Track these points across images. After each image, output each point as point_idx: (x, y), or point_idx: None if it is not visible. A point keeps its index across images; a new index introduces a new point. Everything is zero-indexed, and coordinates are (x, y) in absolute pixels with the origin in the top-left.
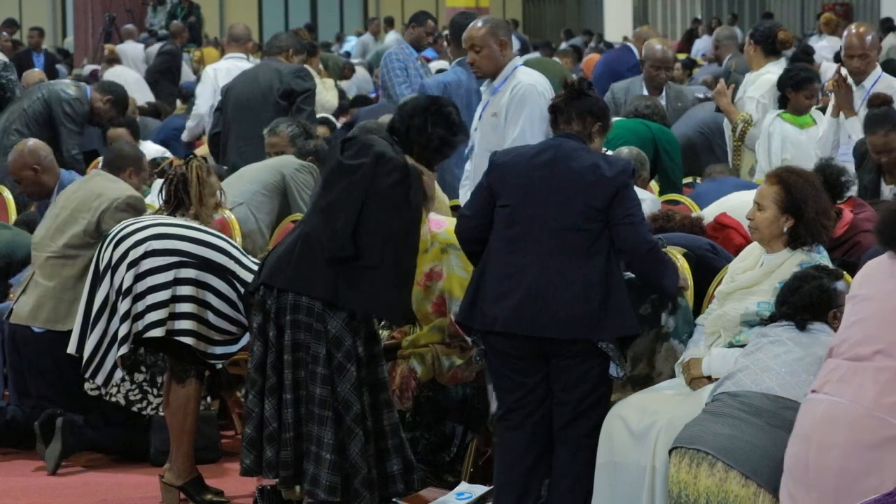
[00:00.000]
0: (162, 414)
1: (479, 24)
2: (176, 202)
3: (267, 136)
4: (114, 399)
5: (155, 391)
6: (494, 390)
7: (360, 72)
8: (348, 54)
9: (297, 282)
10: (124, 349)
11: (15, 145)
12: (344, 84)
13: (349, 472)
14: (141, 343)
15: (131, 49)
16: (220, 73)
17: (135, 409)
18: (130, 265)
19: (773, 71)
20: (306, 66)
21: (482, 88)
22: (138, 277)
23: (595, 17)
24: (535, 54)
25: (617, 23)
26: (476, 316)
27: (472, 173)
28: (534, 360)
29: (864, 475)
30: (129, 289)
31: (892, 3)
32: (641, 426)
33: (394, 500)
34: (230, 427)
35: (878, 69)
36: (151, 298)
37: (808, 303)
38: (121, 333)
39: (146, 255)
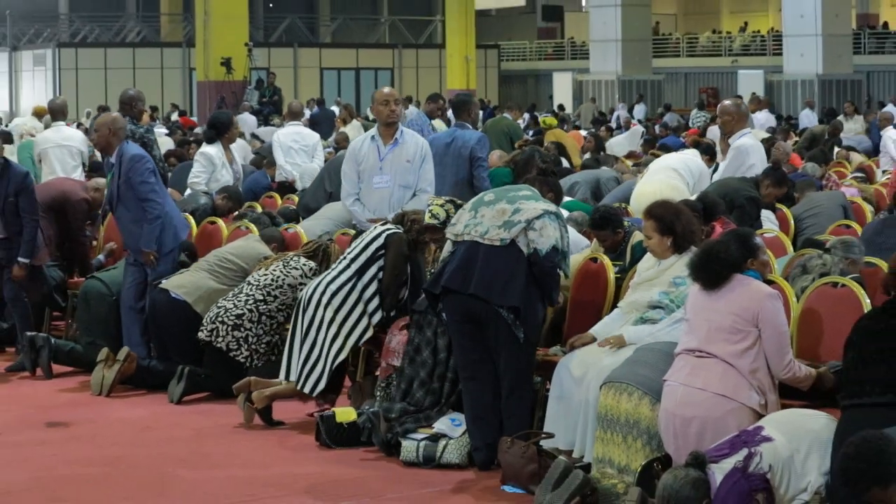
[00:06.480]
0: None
1: (388, 89)
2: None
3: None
4: (218, 345)
5: (247, 346)
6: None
7: None
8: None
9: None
10: (343, 356)
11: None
12: None
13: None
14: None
15: (247, 119)
16: (282, 136)
17: (231, 354)
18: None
19: None
20: None
21: (371, 141)
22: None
23: (545, 95)
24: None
25: (561, 99)
26: (436, 284)
27: (386, 199)
28: (467, 323)
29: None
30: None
31: (744, 86)
32: (580, 372)
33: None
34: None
35: (745, 130)
36: (349, 323)
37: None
38: (333, 350)
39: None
